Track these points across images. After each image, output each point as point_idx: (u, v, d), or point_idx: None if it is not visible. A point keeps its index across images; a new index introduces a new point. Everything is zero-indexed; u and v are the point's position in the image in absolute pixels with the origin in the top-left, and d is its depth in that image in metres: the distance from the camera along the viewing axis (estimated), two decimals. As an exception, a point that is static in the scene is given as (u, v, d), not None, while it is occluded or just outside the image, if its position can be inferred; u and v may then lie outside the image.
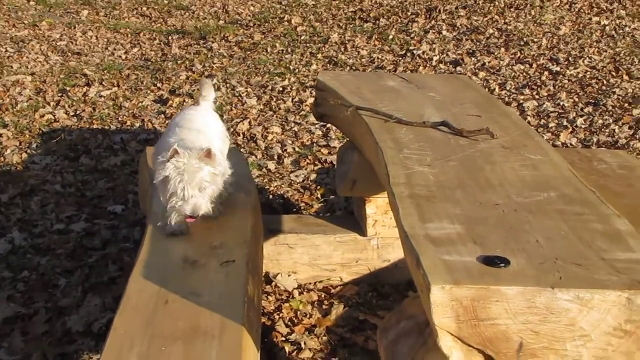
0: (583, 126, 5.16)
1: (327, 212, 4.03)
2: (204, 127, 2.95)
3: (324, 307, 3.18)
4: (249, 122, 5.35)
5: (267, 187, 4.32)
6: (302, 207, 4.09)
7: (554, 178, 2.15)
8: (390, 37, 7.69)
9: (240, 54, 7.32)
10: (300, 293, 3.26)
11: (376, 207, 3.28)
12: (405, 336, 1.96)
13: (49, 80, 6.26)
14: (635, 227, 1.81)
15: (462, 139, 2.47)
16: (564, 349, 1.54)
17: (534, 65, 6.57)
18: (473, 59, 6.86)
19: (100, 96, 5.92)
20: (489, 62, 6.72)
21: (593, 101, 5.63)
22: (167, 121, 5.36)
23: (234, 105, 5.77)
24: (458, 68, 6.62)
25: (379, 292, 3.30)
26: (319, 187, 4.33)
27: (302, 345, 2.88)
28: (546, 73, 6.35)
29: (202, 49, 7.53)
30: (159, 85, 6.26)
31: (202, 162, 2.48)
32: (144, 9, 9.43)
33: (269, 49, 7.43)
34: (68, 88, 6.06)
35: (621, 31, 7.53)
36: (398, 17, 8.42)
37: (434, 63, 6.81)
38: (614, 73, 6.28)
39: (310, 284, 3.33)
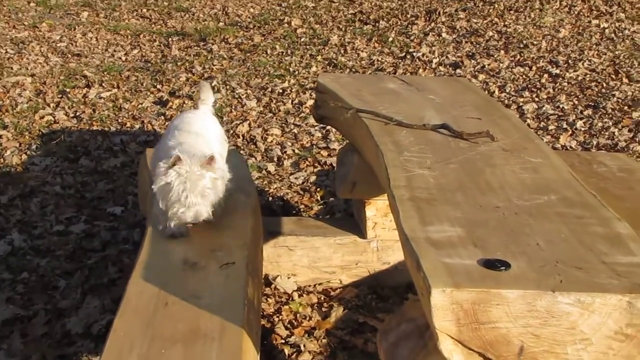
0: (583, 129, 5.16)
1: (327, 215, 4.03)
2: (203, 130, 2.95)
3: (323, 309, 3.18)
4: (249, 124, 5.35)
5: (266, 189, 4.32)
6: (301, 209, 4.09)
7: (554, 181, 2.15)
8: (390, 39, 7.69)
9: (240, 56, 7.32)
10: (299, 295, 3.26)
11: (376, 210, 3.27)
12: (406, 339, 1.96)
13: (49, 82, 6.26)
14: (635, 231, 1.81)
15: (462, 142, 2.47)
16: (564, 352, 1.54)
17: (534, 68, 6.58)
18: (473, 61, 6.86)
19: (100, 98, 5.92)
20: (488, 65, 6.72)
21: (593, 104, 5.64)
22: (167, 123, 5.36)
23: (233, 107, 5.77)
24: (458, 70, 6.62)
25: (378, 294, 3.29)
26: (318, 189, 4.32)
27: (302, 348, 2.88)
28: (546, 76, 6.36)
29: (202, 50, 7.53)
30: (158, 87, 6.26)
31: (204, 169, 2.47)
32: (144, 10, 9.43)
33: (268, 51, 7.43)
34: (68, 89, 6.06)
35: (621, 34, 7.53)
36: (398, 20, 8.42)
37: (433, 65, 6.81)
38: (613, 76, 6.28)
39: (309, 286, 3.33)
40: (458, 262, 1.61)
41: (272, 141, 5.07)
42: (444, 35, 7.74)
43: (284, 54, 7.38)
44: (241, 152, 4.74)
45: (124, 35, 8.17)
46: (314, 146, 4.97)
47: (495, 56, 6.96)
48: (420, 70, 6.71)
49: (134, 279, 2.29)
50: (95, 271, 3.40)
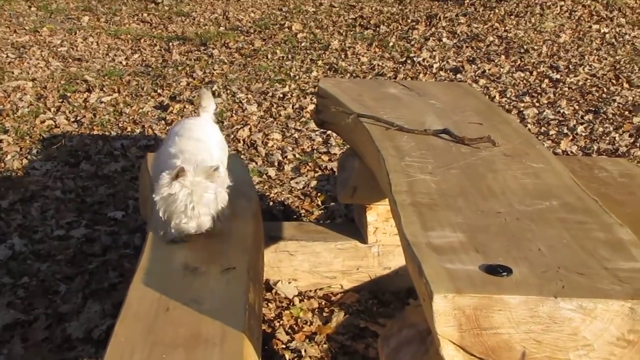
0: (583, 134, 5.16)
1: (328, 219, 4.03)
2: (203, 137, 2.94)
3: (324, 314, 3.17)
4: (250, 129, 5.35)
5: (267, 193, 4.32)
6: (302, 214, 4.09)
7: (556, 186, 2.15)
8: (391, 44, 7.70)
9: (241, 60, 7.32)
10: (300, 300, 3.26)
11: (377, 215, 3.27)
12: (407, 345, 1.95)
13: (50, 86, 6.27)
14: (637, 236, 1.81)
15: (463, 147, 2.47)
16: (567, 358, 1.54)
17: (534, 73, 6.58)
18: (473, 66, 6.86)
19: (101, 102, 5.92)
20: (489, 70, 6.73)
21: (593, 109, 5.64)
22: (167, 127, 5.36)
23: (234, 111, 5.77)
24: (458, 75, 6.63)
25: (379, 299, 3.29)
26: (319, 194, 4.32)
27: (303, 353, 2.87)
28: (546, 81, 6.36)
29: (203, 55, 7.53)
30: (159, 91, 6.27)
31: (208, 180, 2.47)
32: (145, 15, 9.45)
33: (269, 56, 7.44)
34: (69, 94, 6.07)
35: (621, 39, 7.54)
36: (398, 24, 8.43)
37: (434, 70, 6.81)
38: (614, 81, 6.29)
39: (310, 291, 3.33)
40: (460, 268, 1.61)
41: (272, 146, 5.07)
42: (444, 40, 7.74)
43: (285, 58, 7.38)
44: (242, 156, 4.74)
45: (125, 40, 8.18)
46: (315, 151, 4.97)
47: (496, 61, 6.96)
48: (421, 75, 6.72)
49: (134, 284, 2.29)
50: (95, 276, 3.40)
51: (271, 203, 4.20)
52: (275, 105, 5.90)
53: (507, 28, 7.99)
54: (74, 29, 8.54)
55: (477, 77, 6.54)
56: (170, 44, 8.01)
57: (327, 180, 4.50)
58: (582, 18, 8.21)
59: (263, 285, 2.95)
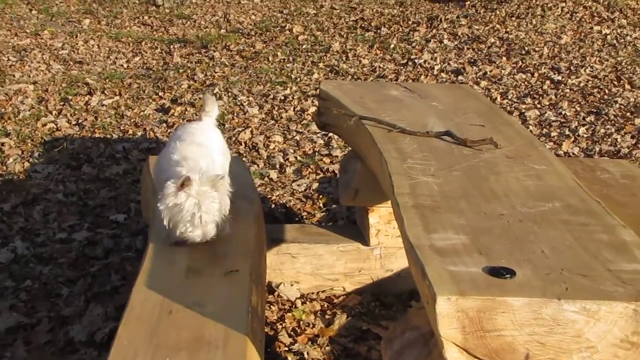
0: (585, 135, 5.16)
1: (330, 222, 4.03)
2: (206, 142, 2.93)
3: (326, 317, 3.17)
4: (251, 131, 5.35)
5: (269, 196, 4.32)
6: (304, 217, 4.09)
7: (558, 188, 2.15)
8: (392, 46, 7.70)
9: (242, 62, 7.33)
10: (303, 303, 3.26)
11: (379, 217, 3.27)
12: (410, 347, 1.95)
13: (51, 89, 6.27)
14: (640, 237, 1.81)
15: (465, 149, 2.47)
16: (570, 360, 1.54)
17: (536, 74, 6.58)
18: (474, 68, 6.86)
19: (102, 105, 5.93)
20: (490, 71, 6.73)
21: (595, 110, 5.64)
22: (169, 130, 5.37)
23: (235, 114, 5.77)
24: (460, 77, 6.63)
25: (382, 301, 3.29)
26: (321, 196, 4.32)
27: (305, 356, 2.87)
28: (548, 82, 6.36)
29: (204, 57, 7.54)
30: (160, 94, 6.27)
31: (214, 189, 2.46)
32: (146, 18, 9.46)
33: (270, 58, 7.44)
34: (70, 97, 6.07)
35: (622, 40, 7.54)
36: (399, 26, 8.44)
37: (435, 72, 6.82)
38: (615, 82, 6.29)
39: (313, 293, 3.32)
40: (463, 270, 1.61)
41: (274, 148, 5.07)
42: (445, 42, 7.75)
43: (286, 60, 7.39)
44: (243, 159, 4.75)
45: (126, 43, 8.19)
46: (316, 153, 4.97)
47: (497, 63, 6.97)
48: (422, 77, 6.72)
49: (137, 287, 2.29)
50: (98, 279, 3.40)
51: (273, 205, 4.20)
52: (276, 108, 5.91)
53: (508, 29, 7.99)
54: (75, 32, 8.55)
55: (478, 79, 6.54)
56: (171, 46, 8.02)
57: (328, 182, 4.50)
58: (583, 19, 8.22)
59: (265, 287, 2.95)
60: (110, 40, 8.27)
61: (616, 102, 5.76)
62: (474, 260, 1.66)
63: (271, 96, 6.20)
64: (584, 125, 5.34)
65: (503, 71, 6.72)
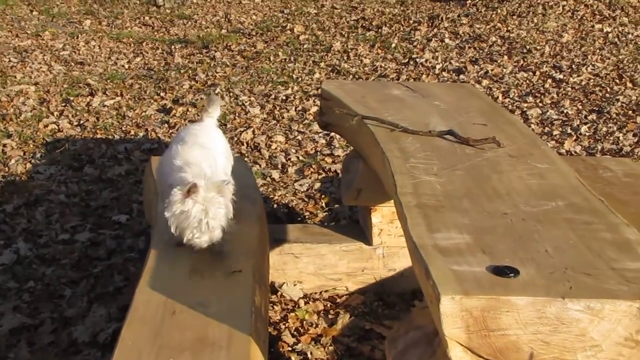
0: (587, 134, 5.16)
1: (332, 221, 4.03)
2: (210, 144, 2.92)
3: (330, 316, 3.17)
4: (253, 131, 5.35)
5: (271, 196, 4.32)
6: (306, 216, 4.08)
7: (561, 187, 2.15)
8: (393, 45, 7.70)
9: (243, 63, 7.33)
10: (306, 303, 3.26)
11: (382, 216, 3.27)
12: (414, 346, 1.95)
13: (53, 90, 6.27)
14: (642, 236, 1.81)
15: (468, 148, 2.47)
16: (575, 359, 1.53)
17: (537, 73, 6.58)
18: (476, 66, 6.86)
19: (104, 106, 5.93)
20: (492, 70, 6.73)
21: (597, 109, 5.63)
22: (170, 130, 5.37)
23: (237, 114, 5.77)
24: (461, 76, 6.63)
25: (385, 301, 3.29)
26: (323, 196, 4.32)
27: (309, 355, 2.87)
28: (549, 81, 6.36)
29: (205, 58, 7.54)
30: (162, 94, 6.27)
31: (220, 195, 2.46)
32: (147, 18, 9.46)
33: (271, 58, 7.44)
34: (71, 98, 6.07)
35: (624, 38, 7.53)
36: (400, 26, 8.43)
37: (436, 71, 6.81)
38: (617, 80, 6.28)
39: (316, 293, 3.32)
40: (467, 269, 1.61)
41: (276, 148, 5.07)
42: (446, 40, 7.75)
43: (287, 60, 7.39)
44: (245, 159, 4.75)
45: (127, 43, 8.19)
46: (318, 153, 4.97)
47: (499, 61, 6.96)
48: (424, 76, 6.72)
49: (140, 288, 2.29)
50: (100, 280, 3.40)
51: (275, 205, 4.20)
52: (278, 108, 5.91)
53: (509, 28, 7.99)
54: (76, 33, 8.56)
55: (480, 78, 6.54)
56: (173, 47, 8.02)
57: (330, 182, 4.50)
58: (584, 17, 8.21)
59: (268, 287, 2.95)
60: (111, 41, 8.27)
61: (618, 100, 5.75)
62: (478, 259, 1.65)
63: (273, 96, 6.20)
64: (585, 123, 5.34)
65: (504, 70, 6.72)
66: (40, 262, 3.55)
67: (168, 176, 2.59)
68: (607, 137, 5.07)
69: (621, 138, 5.04)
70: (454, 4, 9.20)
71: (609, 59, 6.88)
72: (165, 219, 2.46)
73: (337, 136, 4.89)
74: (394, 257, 3.32)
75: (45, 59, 7.41)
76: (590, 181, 2.64)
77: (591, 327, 1.50)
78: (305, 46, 7.87)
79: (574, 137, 5.09)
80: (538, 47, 7.30)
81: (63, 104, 5.93)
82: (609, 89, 6.05)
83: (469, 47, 7.48)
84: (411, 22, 8.52)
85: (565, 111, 5.60)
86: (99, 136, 5.28)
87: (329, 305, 3.26)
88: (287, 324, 3.09)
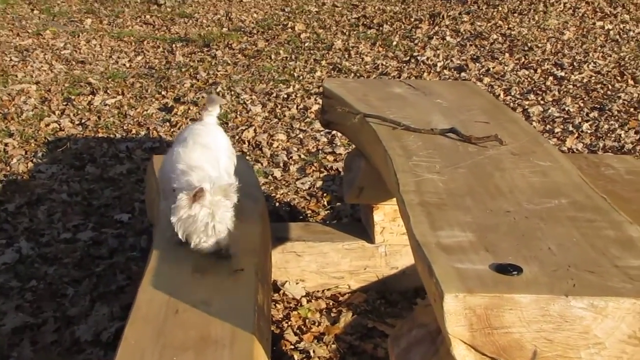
0: (589, 131, 5.15)
1: (334, 220, 4.03)
2: (212, 144, 2.91)
3: (332, 315, 3.17)
4: (254, 130, 5.35)
5: (273, 194, 4.32)
6: (308, 215, 4.08)
7: (564, 185, 2.15)
8: (394, 43, 7.69)
9: (244, 61, 7.33)
10: (308, 301, 3.26)
11: (384, 214, 3.27)
12: (417, 345, 1.95)
13: (54, 89, 6.27)
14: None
15: (470, 146, 2.47)
16: (578, 357, 1.53)
17: (539, 71, 6.57)
18: (477, 64, 6.86)
19: (105, 105, 5.93)
20: (493, 68, 6.72)
21: (598, 106, 5.63)
22: (172, 129, 5.37)
23: (238, 112, 5.77)
24: (462, 74, 6.62)
25: (387, 299, 3.29)
26: (325, 194, 4.32)
27: (311, 354, 2.87)
28: (551, 78, 6.35)
29: (206, 56, 7.54)
30: (163, 93, 6.27)
31: (226, 198, 2.45)
32: (147, 17, 9.45)
33: (272, 56, 7.44)
34: (73, 97, 6.08)
35: (625, 35, 7.53)
36: (401, 23, 8.43)
37: (438, 69, 6.81)
38: (619, 78, 6.28)
39: (318, 291, 3.32)
40: (470, 267, 1.60)
41: (277, 147, 5.07)
42: (448, 38, 7.74)
43: (288, 59, 7.38)
44: (247, 157, 4.74)
45: (128, 42, 8.19)
46: (320, 151, 4.97)
47: (500, 59, 6.96)
48: (425, 74, 6.72)
49: (143, 287, 2.29)
50: (103, 279, 3.40)
51: (277, 204, 4.20)
52: (279, 106, 5.90)
53: (510, 26, 7.98)
54: (77, 32, 8.55)
55: (481, 76, 6.53)
56: (174, 45, 8.02)
57: (332, 180, 4.50)
58: (585, 15, 8.20)
59: (271, 286, 2.95)
60: (112, 40, 8.27)
61: (620, 97, 5.75)
62: (481, 257, 1.65)
63: (274, 94, 6.20)
64: (587, 121, 5.33)
65: (506, 67, 6.71)
66: (42, 261, 3.55)
67: (172, 179, 2.57)
68: (609, 135, 5.06)
69: (623, 135, 5.03)
70: (455, 1, 9.18)
71: (611, 56, 6.88)
72: (168, 218, 2.45)
73: (339, 134, 4.89)
74: (397, 255, 3.32)
75: (46, 58, 7.41)
76: (593, 179, 2.64)
77: (594, 325, 1.50)
78: (306, 44, 7.87)
79: (576, 135, 5.08)
80: (539, 45, 7.29)
81: (64, 103, 5.93)
82: (610, 87, 6.05)
83: (470, 45, 7.47)
84: (412, 20, 8.52)
85: (567, 109, 5.59)
86: (100, 135, 5.28)
87: (331, 304, 3.26)
88: (289, 323, 3.09)
